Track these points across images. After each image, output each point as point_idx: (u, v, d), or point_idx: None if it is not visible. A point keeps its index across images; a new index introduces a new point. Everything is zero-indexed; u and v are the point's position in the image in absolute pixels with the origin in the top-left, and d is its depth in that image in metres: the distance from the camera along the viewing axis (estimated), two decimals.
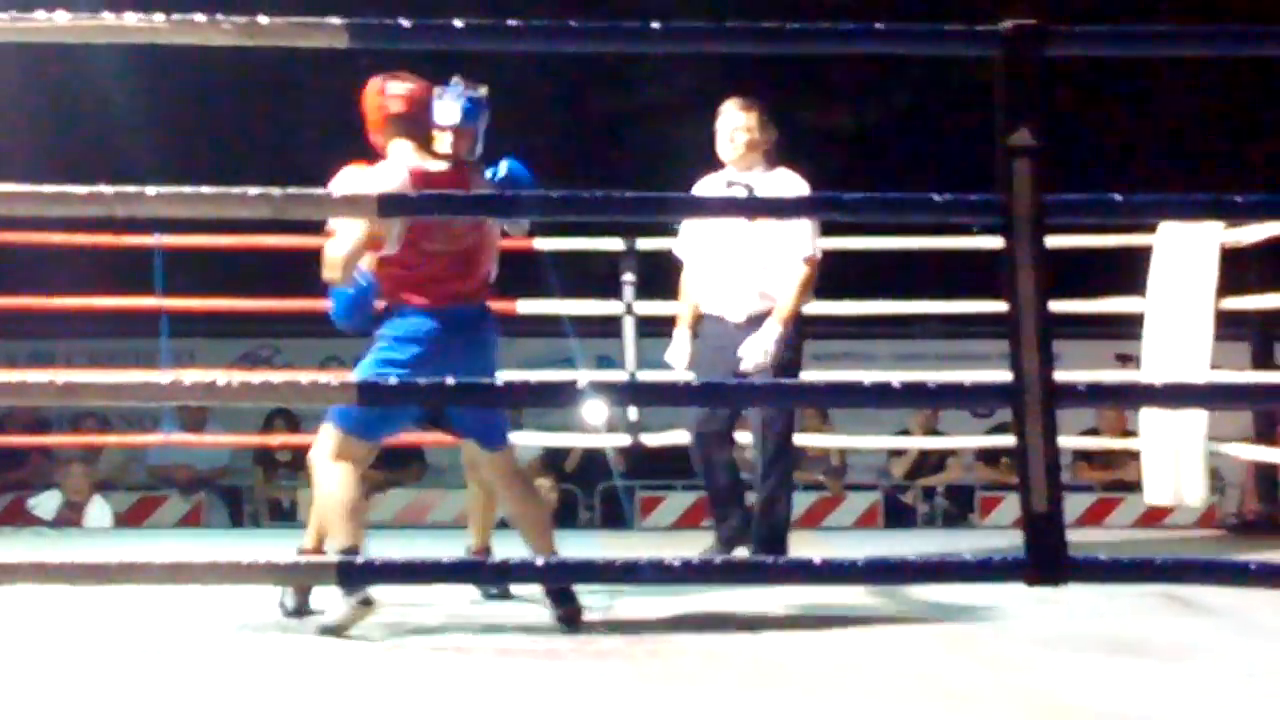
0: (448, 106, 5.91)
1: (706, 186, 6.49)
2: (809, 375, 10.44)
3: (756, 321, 6.32)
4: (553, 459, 10.78)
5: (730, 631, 5.04)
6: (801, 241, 6.34)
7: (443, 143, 5.95)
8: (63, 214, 3.19)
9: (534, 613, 5.27)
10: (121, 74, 13.32)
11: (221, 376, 3.20)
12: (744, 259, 6.34)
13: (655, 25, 3.09)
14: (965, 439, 10.89)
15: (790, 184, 6.30)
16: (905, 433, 10.97)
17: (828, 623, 5.15)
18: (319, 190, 2.98)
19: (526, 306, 8.33)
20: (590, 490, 10.98)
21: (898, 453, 11.24)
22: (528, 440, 9.91)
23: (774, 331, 6.28)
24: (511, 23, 3.12)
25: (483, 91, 6.02)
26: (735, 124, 6.40)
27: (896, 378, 8.79)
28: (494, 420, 5.50)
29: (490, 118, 6.02)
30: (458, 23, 3.07)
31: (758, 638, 4.97)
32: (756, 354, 6.27)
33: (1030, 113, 2.90)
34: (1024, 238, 2.97)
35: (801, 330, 6.47)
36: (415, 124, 5.39)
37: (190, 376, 3.00)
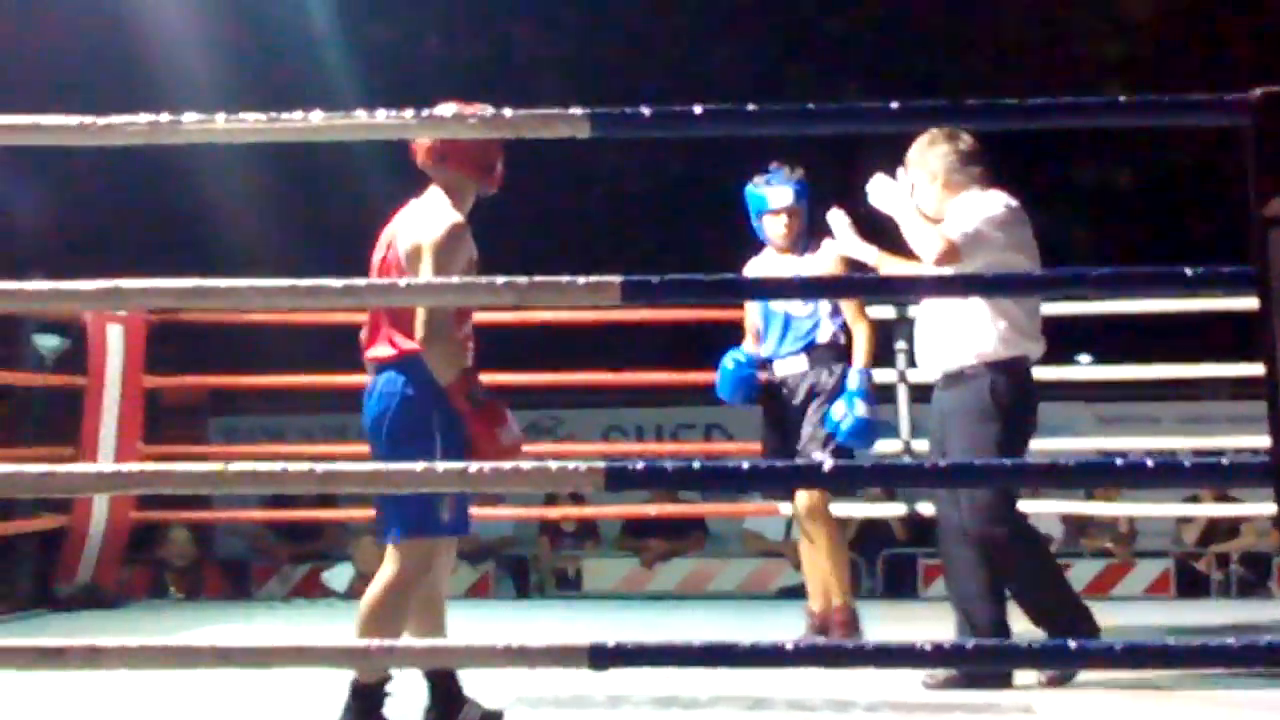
0: (779, 191, 6.19)
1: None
2: (1096, 441, 10.32)
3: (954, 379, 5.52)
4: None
5: None
6: None
7: (776, 225, 6.28)
8: (319, 306, 3.29)
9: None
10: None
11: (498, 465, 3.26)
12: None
13: (895, 105, 3.08)
14: (1259, 506, 10.51)
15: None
16: (1195, 498, 10.65)
17: None
18: (562, 279, 3.02)
19: None
20: (873, 558, 10.88)
21: (1188, 518, 10.91)
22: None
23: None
24: (752, 108, 3.13)
25: (800, 173, 6.29)
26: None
27: (1183, 443, 8.59)
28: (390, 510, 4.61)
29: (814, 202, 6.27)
30: (698, 109, 3.09)
31: None
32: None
33: None
34: None
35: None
36: None
37: (470, 465, 3.05)
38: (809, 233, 6.35)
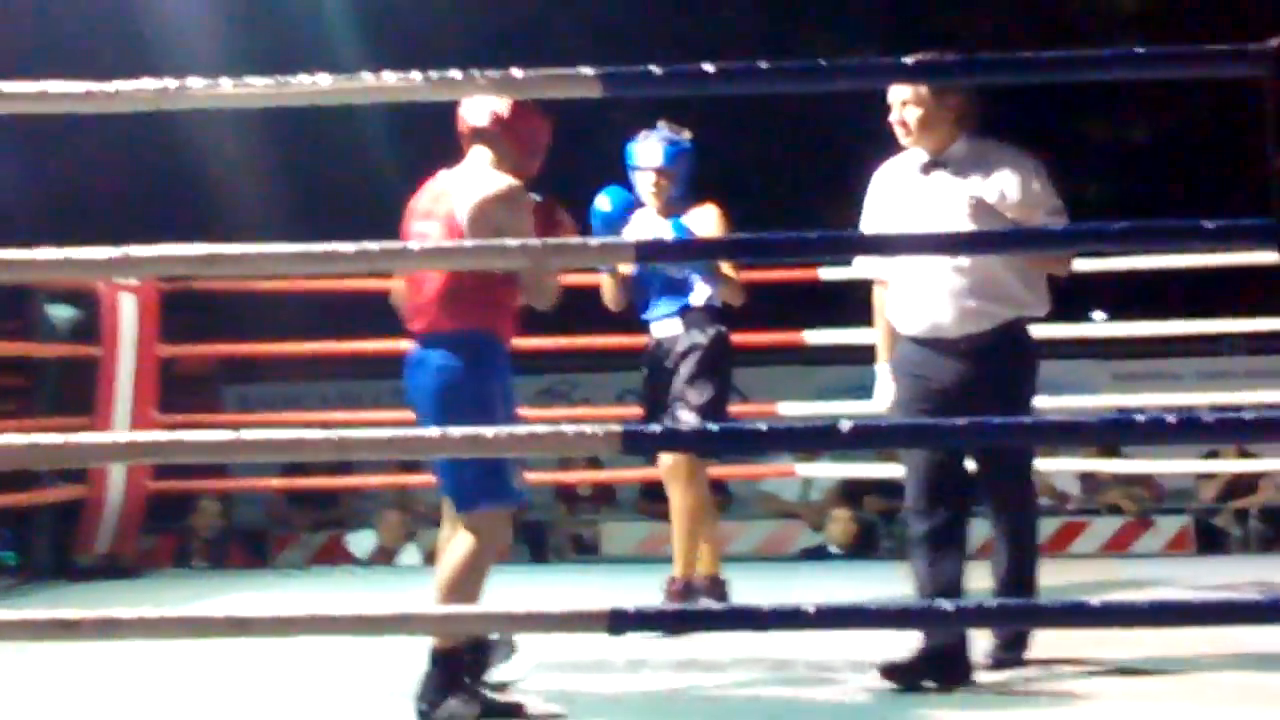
0: (648, 148, 6.07)
1: (891, 173, 5.23)
2: (1112, 399, 10.29)
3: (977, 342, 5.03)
4: (851, 490, 10.67)
5: None
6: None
7: (644, 183, 6.15)
8: (332, 271, 3.26)
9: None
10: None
11: (524, 429, 3.23)
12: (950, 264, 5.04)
13: (909, 60, 3.04)
14: (1278, 461, 10.48)
15: (1007, 159, 5.02)
16: (1214, 454, 10.60)
17: None
18: (576, 240, 2.99)
19: (814, 337, 8.33)
20: (890, 520, 10.85)
21: (1207, 475, 10.87)
22: (825, 471, 9.87)
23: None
24: (764, 65, 3.10)
25: (686, 135, 6.15)
26: (901, 98, 5.06)
27: (1203, 399, 8.56)
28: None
29: (694, 163, 6.11)
30: (709, 67, 3.05)
31: None
32: None
33: None
34: None
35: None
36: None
37: (461, 432, 3.03)
38: (687, 196, 6.21)
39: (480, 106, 4.74)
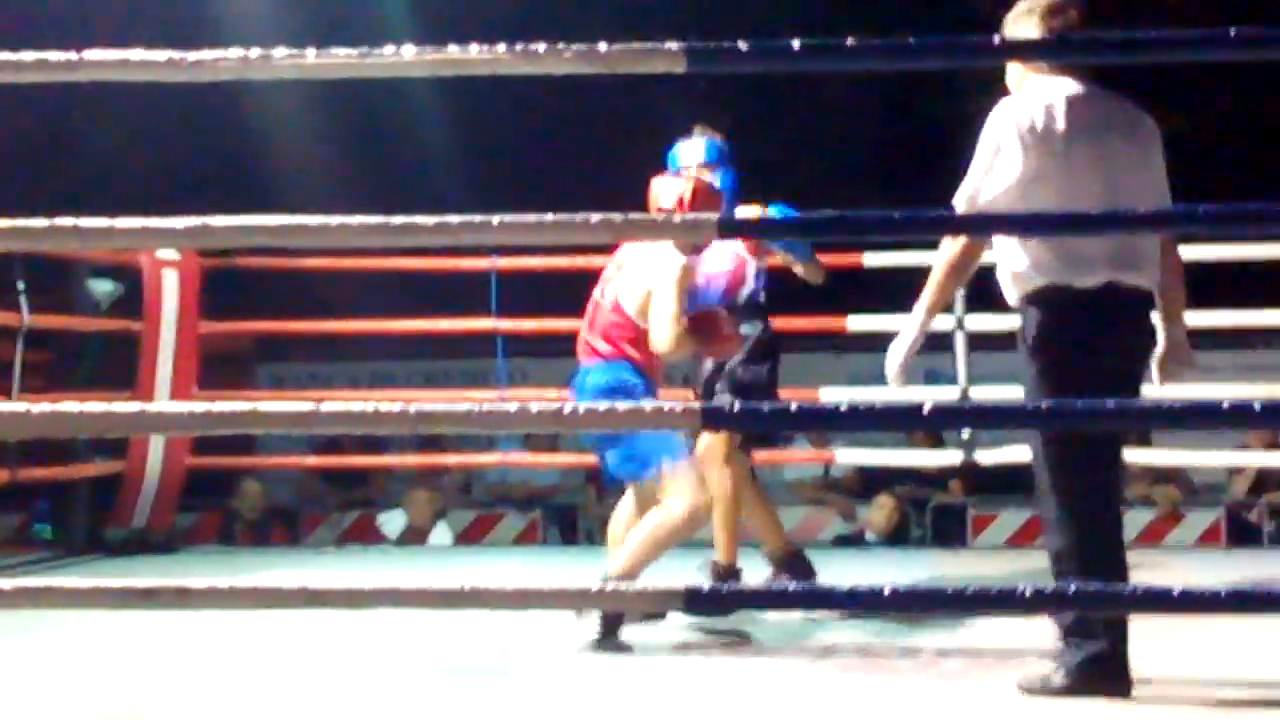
0: (692, 146, 6.19)
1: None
2: (1149, 390, 10.25)
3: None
4: (883, 477, 10.63)
5: None
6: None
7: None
8: (410, 244, 3.26)
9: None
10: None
11: (563, 404, 3.24)
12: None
13: (997, 39, 3.03)
14: None
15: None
16: (1245, 447, 10.57)
17: None
18: (658, 215, 2.98)
19: (857, 323, 8.33)
20: (922, 508, 10.84)
21: (1239, 468, 10.83)
22: (852, 459, 9.86)
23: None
24: (849, 42, 3.09)
25: (719, 138, 6.29)
26: None
27: (1242, 392, 8.56)
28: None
29: (734, 165, 6.20)
30: (795, 43, 3.05)
31: None
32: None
33: None
34: None
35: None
36: None
37: (536, 404, 3.03)
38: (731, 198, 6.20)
39: (669, 190, 5.53)
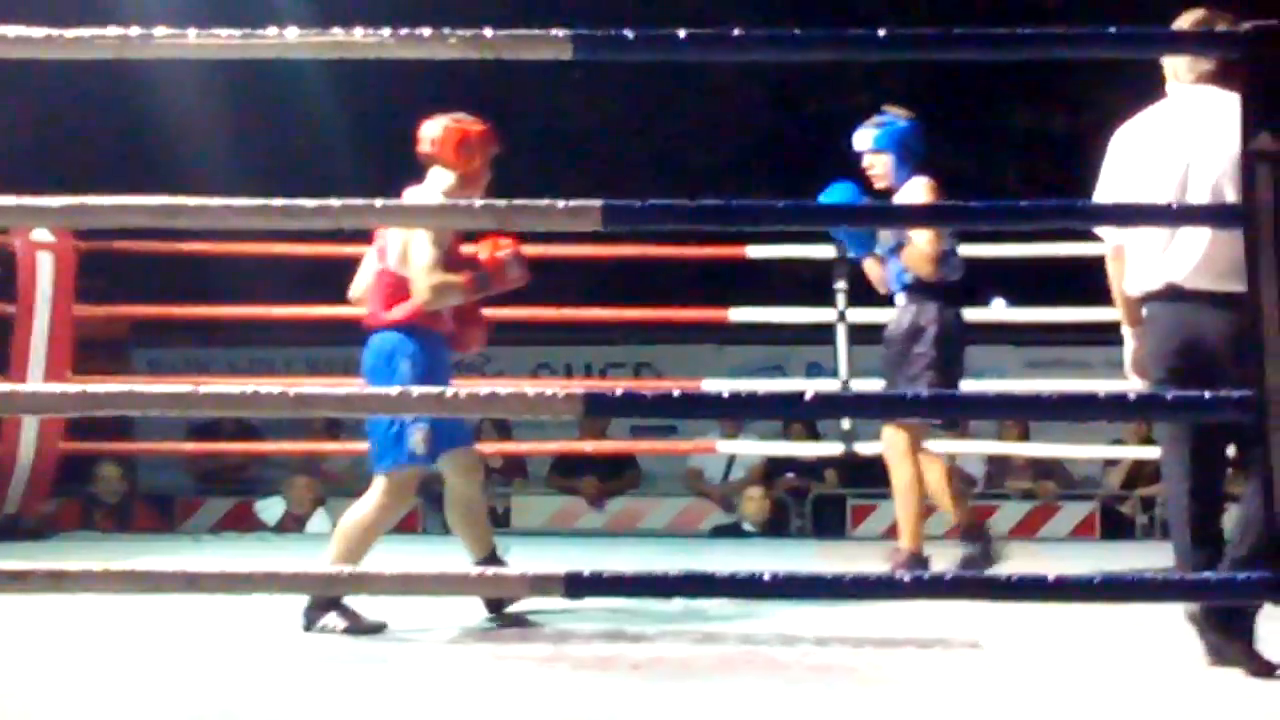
0: (863, 134, 6.27)
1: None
2: (1022, 385, 10.39)
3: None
4: (770, 470, 10.68)
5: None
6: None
7: (866, 166, 6.37)
8: (292, 226, 3.23)
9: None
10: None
11: (454, 389, 3.22)
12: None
13: (882, 33, 3.05)
14: None
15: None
16: (1120, 441, 10.72)
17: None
18: (541, 202, 2.97)
19: (739, 314, 8.35)
20: (802, 499, 10.90)
21: (1113, 462, 10.99)
22: (745, 449, 9.90)
23: None
24: (736, 32, 3.09)
25: (903, 117, 6.29)
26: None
27: (1111, 387, 8.68)
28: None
29: (916, 141, 6.30)
30: (681, 33, 3.05)
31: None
32: None
33: (1273, 117, 2.78)
34: (1267, 245, 2.86)
35: None
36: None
37: (420, 391, 3.02)
38: (913, 173, 6.33)
39: (422, 134, 5.30)
